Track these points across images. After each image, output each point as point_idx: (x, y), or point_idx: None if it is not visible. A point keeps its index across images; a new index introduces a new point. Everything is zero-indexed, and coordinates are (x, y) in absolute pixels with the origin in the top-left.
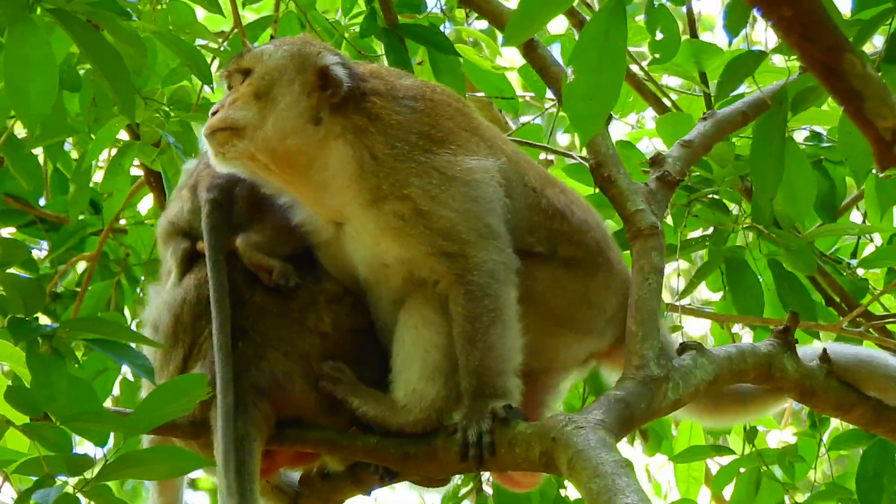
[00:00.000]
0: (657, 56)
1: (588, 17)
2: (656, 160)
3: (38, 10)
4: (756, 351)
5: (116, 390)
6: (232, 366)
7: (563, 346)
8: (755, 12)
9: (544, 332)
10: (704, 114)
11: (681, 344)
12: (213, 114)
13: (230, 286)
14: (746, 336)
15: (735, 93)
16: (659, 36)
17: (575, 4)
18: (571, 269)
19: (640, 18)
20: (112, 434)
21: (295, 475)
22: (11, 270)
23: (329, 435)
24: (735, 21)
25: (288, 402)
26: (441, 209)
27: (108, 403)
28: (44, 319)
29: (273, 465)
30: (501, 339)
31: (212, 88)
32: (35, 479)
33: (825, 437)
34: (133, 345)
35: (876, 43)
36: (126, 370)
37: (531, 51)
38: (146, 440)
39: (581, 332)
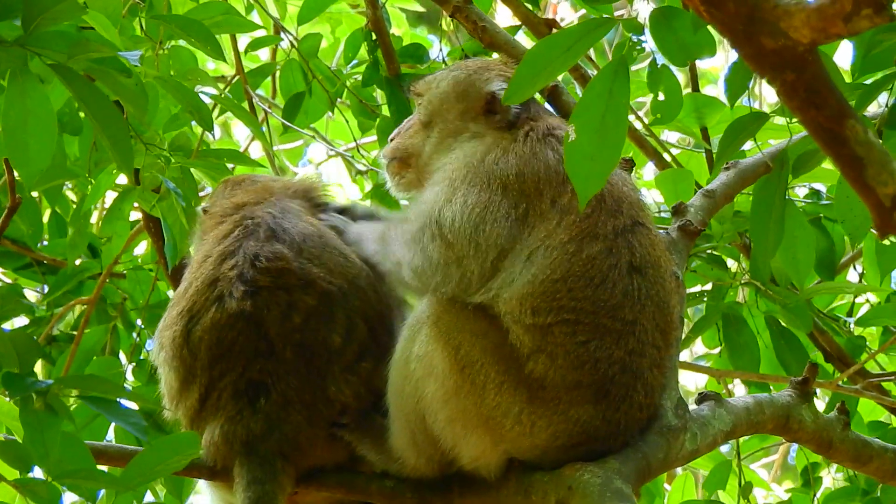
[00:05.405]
0: (659, 116)
1: (590, 70)
2: (678, 210)
3: (37, 60)
4: (774, 402)
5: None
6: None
7: None
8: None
9: None
10: (727, 163)
11: (700, 394)
12: (392, 139)
13: (256, 324)
14: (740, 392)
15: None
16: (661, 97)
17: None
18: None
19: (638, 67)
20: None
21: None
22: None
23: (347, 478)
24: (736, 85)
25: (311, 460)
26: None
27: (110, 433)
28: (39, 364)
29: None
30: None
31: (212, 134)
32: None
33: (818, 494)
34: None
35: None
36: None
37: (556, 98)
38: None
39: None
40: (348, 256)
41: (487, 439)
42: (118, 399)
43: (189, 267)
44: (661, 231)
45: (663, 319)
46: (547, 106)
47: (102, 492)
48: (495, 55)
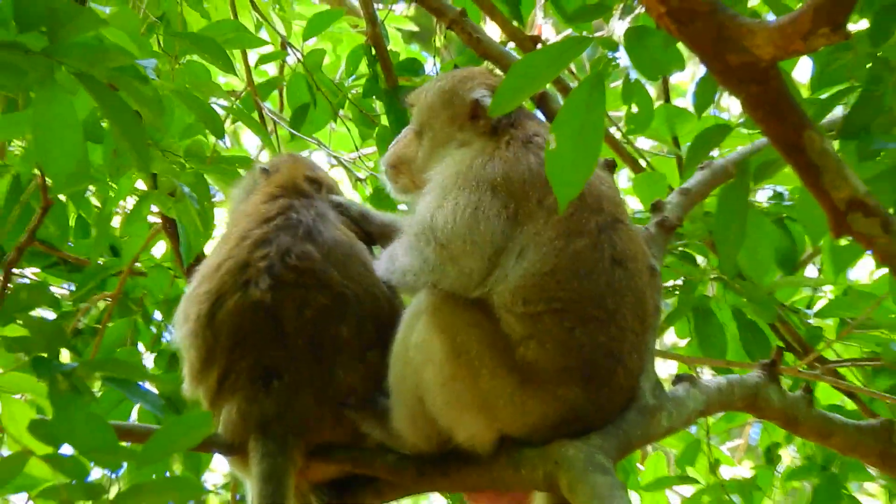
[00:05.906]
0: (633, 127)
1: (571, 83)
2: (656, 206)
3: (63, 69)
4: (744, 382)
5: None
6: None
7: None
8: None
9: None
10: (702, 164)
11: (675, 376)
12: (391, 147)
13: (273, 315)
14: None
15: None
16: (634, 109)
17: None
18: None
19: (615, 85)
20: None
21: None
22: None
23: (352, 454)
24: (704, 98)
25: (320, 438)
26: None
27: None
28: (66, 354)
29: (302, 479)
30: None
31: (224, 142)
32: None
33: (780, 470)
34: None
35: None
36: None
37: (545, 104)
38: None
39: None
40: (369, 267)
41: (482, 420)
42: (138, 382)
43: (226, 231)
44: (642, 228)
45: (641, 308)
46: (537, 112)
47: (124, 467)
48: (486, 63)
